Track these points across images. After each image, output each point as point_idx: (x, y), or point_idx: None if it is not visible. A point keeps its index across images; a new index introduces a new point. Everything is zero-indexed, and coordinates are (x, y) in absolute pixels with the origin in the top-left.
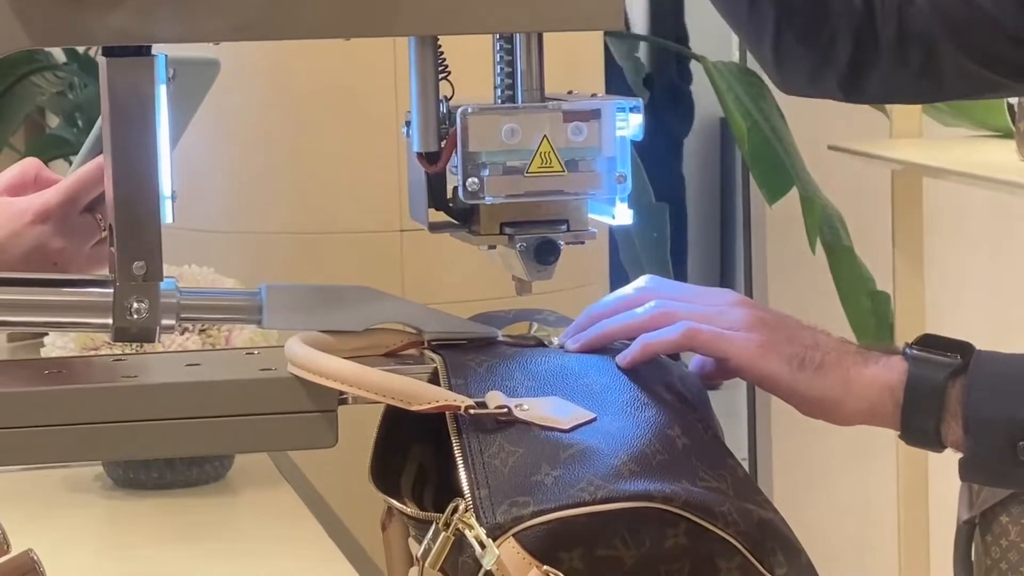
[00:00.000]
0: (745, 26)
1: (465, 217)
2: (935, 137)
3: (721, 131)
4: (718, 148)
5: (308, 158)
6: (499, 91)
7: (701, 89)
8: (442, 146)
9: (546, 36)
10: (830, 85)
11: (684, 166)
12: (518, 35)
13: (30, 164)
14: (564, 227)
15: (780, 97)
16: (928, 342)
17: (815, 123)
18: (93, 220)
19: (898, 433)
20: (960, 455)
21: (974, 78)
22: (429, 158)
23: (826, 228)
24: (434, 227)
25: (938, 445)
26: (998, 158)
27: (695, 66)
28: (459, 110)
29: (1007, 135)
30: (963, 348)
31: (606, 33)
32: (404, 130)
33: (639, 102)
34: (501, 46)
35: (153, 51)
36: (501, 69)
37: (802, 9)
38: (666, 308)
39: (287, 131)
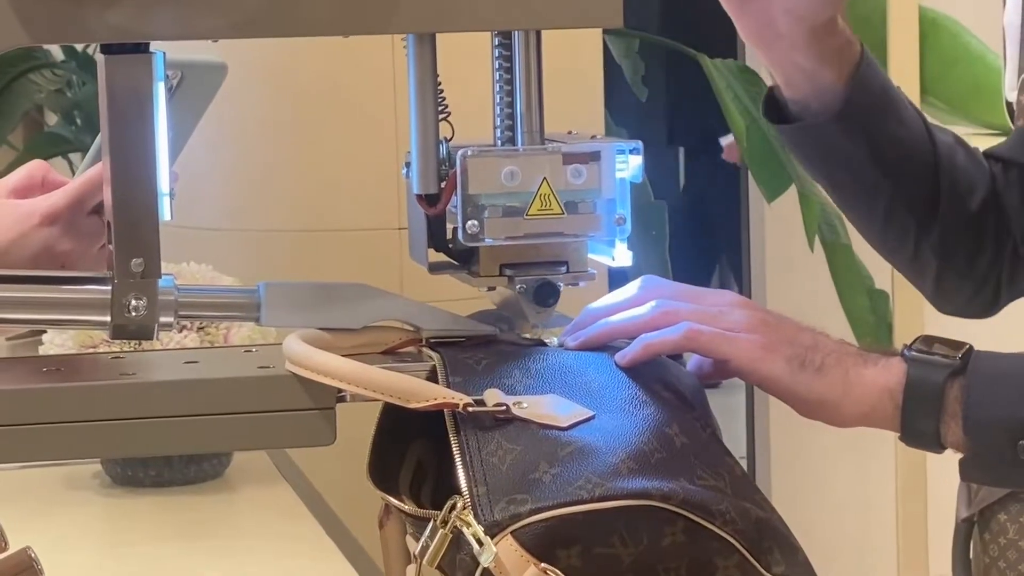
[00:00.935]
0: (905, 268)
1: (465, 258)
2: None
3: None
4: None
5: (307, 156)
6: (499, 132)
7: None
8: (442, 187)
9: (545, 53)
10: (979, 310)
11: (681, 164)
12: (518, 57)
13: (37, 167)
14: (563, 269)
15: None
16: (927, 343)
17: None
18: (100, 222)
19: (898, 435)
20: (960, 456)
21: None
22: (429, 200)
23: (824, 226)
24: (434, 268)
25: (938, 446)
26: None
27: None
28: (459, 153)
29: (1005, 133)
30: (962, 348)
31: (604, 31)
32: (404, 171)
33: (639, 144)
34: (501, 87)
35: (151, 48)
36: (501, 110)
37: (962, 250)
38: (667, 308)
39: (286, 129)
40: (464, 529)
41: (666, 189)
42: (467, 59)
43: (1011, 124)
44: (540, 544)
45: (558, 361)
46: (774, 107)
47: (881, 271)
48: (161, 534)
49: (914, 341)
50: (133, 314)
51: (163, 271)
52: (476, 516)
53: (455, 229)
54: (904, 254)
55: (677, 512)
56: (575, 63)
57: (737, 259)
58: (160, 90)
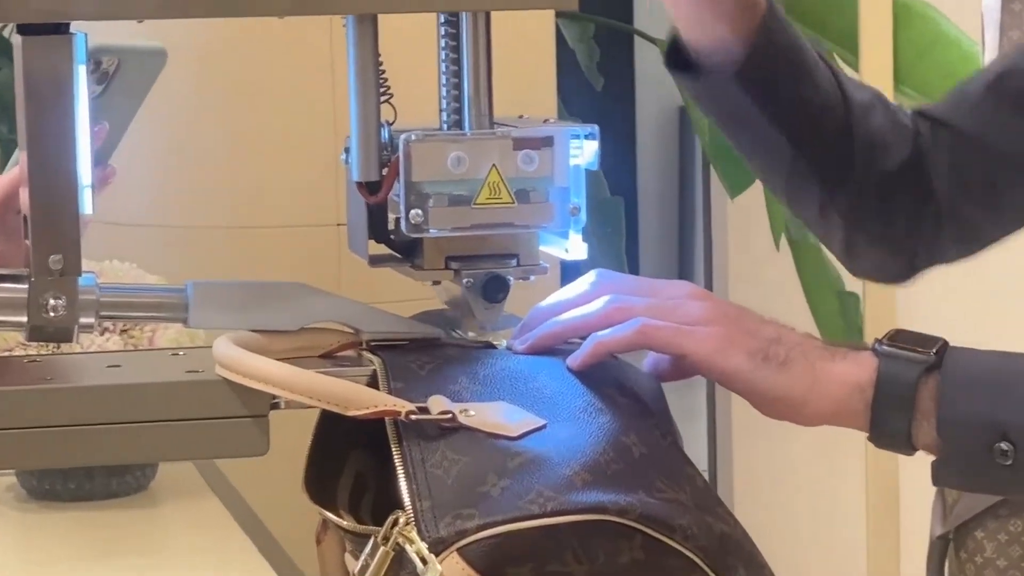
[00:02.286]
0: (812, 228)
1: (408, 251)
2: None
3: (680, 121)
4: (677, 139)
5: (238, 147)
6: (445, 115)
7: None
8: (383, 175)
9: (495, 37)
10: (895, 272)
11: (641, 158)
12: (465, 36)
13: None
14: (513, 261)
15: None
16: (900, 338)
17: None
18: None
19: (867, 435)
20: (932, 458)
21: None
22: (369, 188)
23: (791, 224)
24: (374, 260)
25: (909, 447)
26: None
27: (652, 50)
28: (402, 137)
29: None
30: (936, 344)
31: (558, 15)
32: (343, 157)
33: (595, 129)
34: (448, 66)
35: (72, 30)
36: (447, 92)
37: (873, 216)
38: (619, 304)
39: (216, 118)
40: (407, 546)
41: (623, 184)
42: (411, 37)
43: None
44: (488, 562)
45: (508, 366)
46: (677, 53)
47: None
48: (81, 552)
49: (886, 335)
50: (51, 314)
51: (84, 269)
52: (420, 532)
53: (398, 219)
54: (810, 215)
55: (635, 527)
56: (526, 45)
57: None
58: (81, 74)
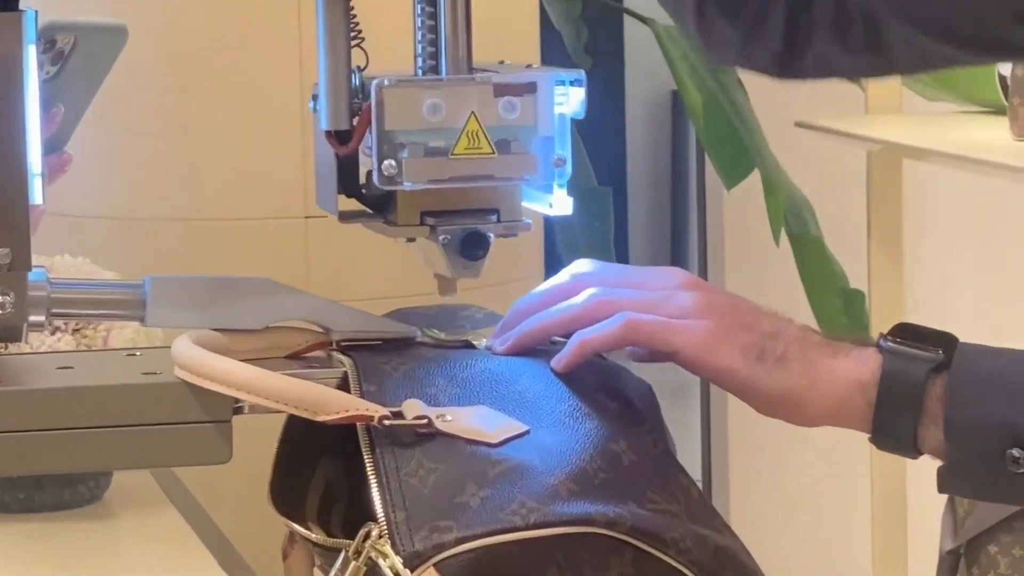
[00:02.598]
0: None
1: (380, 205)
2: (916, 113)
3: (673, 105)
4: (669, 125)
5: (199, 135)
6: (420, 60)
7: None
8: (354, 124)
9: None
10: (763, 62)
11: (631, 145)
12: None
13: None
14: (494, 217)
15: None
16: (906, 333)
17: (780, 97)
18: None
19: (868, 436)
20: (939, 463)
21: (925, 52)
22: (339, 137)
23: (792, 217)
24: (344, 216)
25: (914, 451)
26: (988, 137)
27: (643, 30)
28: (374, 82)
29: (998, 111)
30: (946, 340)
31: None
32: (311, 105)
33: (581, 74)
34: (423, 8)
35: (21, 6)
36: (423, 35)
37: None
38: (603, 297)
39: (176, 104)
40: (380, 561)
41: (612, 173)
42: None
43: (1004, 99)
44: None
45: (488, 367)
46: None
47: (857, 267)
48: (29, 568)
49: (892, 330)
50: None
51: (34, 263)
52: (394, 546)
53: (369, 172)
54: None
55: (625, 540)
56: (507, 29)
57: (683, 253)
58: (31, 54)
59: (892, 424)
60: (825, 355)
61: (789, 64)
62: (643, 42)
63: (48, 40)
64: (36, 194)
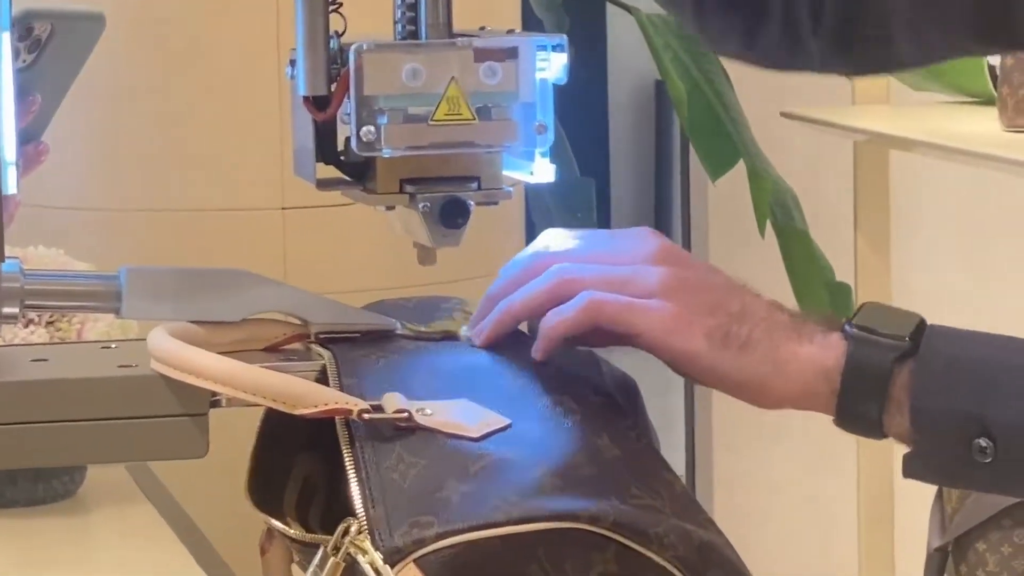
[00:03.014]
0: None
1: (359, 173)
2: (904, 103)
3: (657, 95)
4: (653, 115)
5: (176, 126)
6: (399, 26)
7: (635, 47)
8: (332, 89)
9: None
10: (763, 53)
11: (614, 136)
12: None
13: None
14: (474, 185)
15: None
16: (872, 316)
17: (766, 87)
18: None
19: (833, 420)
20: (904, 448)
21: (929, 43)
22: (317, 103)
23: (777, 208)
24: (322, 184)
25: (879, 433)
26: (977, 127)
27: (626, 19)
28: (352, 48)
29: (987, 101)
30: (913, 324)
31: None
32: (288, 71)
33: (563, 39)
34: None
35: None
36: (402, 0)
37: None
38: (565, 276)
39: (153, 95)
40: (359, 557)
41: (595, 164)
42: None
43: (993, 90)
44: (447, 574)
45: (468, 360)
46: None
47: (842, 260)
48: (2, 563)
49: (858, 311)
50: None
51: (6, 254)
52: (373, 541)
53: (348, 138)
54: None
55: (607, 536)
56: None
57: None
58: (4, 41)
59: (857, 411)
60: (791, 340)
61: (790, 55)
62: (626, 31)
63: (25, 28)
64: (9, 184)
